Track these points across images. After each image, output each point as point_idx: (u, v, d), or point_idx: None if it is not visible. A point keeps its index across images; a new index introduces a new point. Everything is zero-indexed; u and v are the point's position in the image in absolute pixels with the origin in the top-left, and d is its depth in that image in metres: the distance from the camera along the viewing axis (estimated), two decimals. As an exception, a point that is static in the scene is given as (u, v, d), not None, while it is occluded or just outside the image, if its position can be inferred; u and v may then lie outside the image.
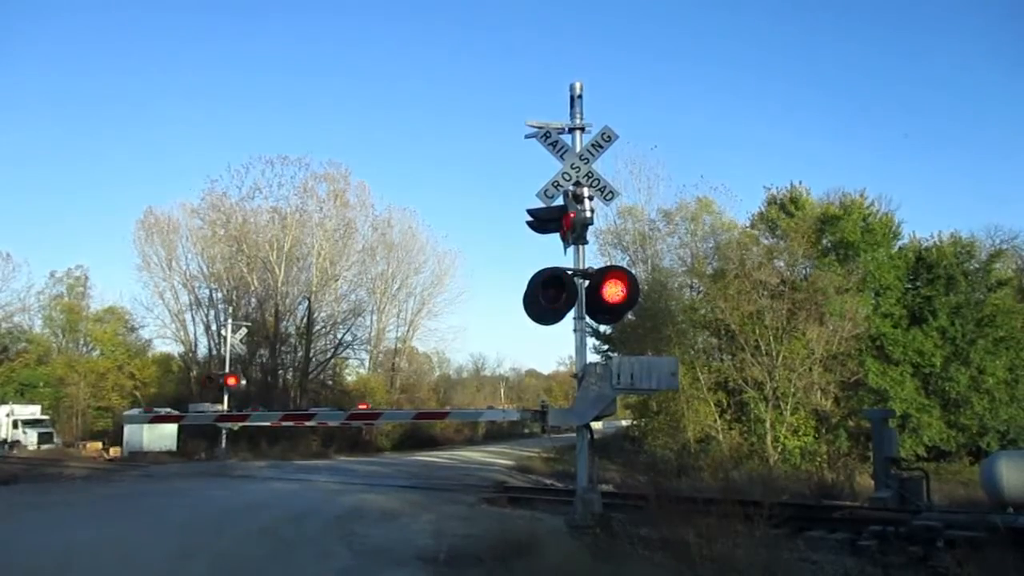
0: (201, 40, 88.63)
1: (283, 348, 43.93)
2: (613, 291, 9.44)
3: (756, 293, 24.65)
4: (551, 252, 13.19)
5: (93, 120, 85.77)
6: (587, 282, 9.65)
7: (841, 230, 26.91)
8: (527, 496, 15.35)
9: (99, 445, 36.71)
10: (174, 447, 33.28)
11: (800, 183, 30.49)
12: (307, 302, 43.69)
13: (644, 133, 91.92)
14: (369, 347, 49.18)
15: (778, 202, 30.08)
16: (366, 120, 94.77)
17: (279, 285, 43.09)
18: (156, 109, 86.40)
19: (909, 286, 26.90)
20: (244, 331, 36.31)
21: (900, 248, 27.97)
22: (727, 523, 7.03)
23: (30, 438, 36.27)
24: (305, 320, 43.75)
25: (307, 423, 24.15)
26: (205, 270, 46.04)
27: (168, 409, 28.92)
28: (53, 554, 8.25)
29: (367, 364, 49.52)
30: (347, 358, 48.81)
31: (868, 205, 28.30)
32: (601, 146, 10.08)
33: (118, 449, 34.24)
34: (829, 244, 27.45)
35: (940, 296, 25.51)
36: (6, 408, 37.64)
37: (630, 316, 23.86)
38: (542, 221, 9.94)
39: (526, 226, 9.92)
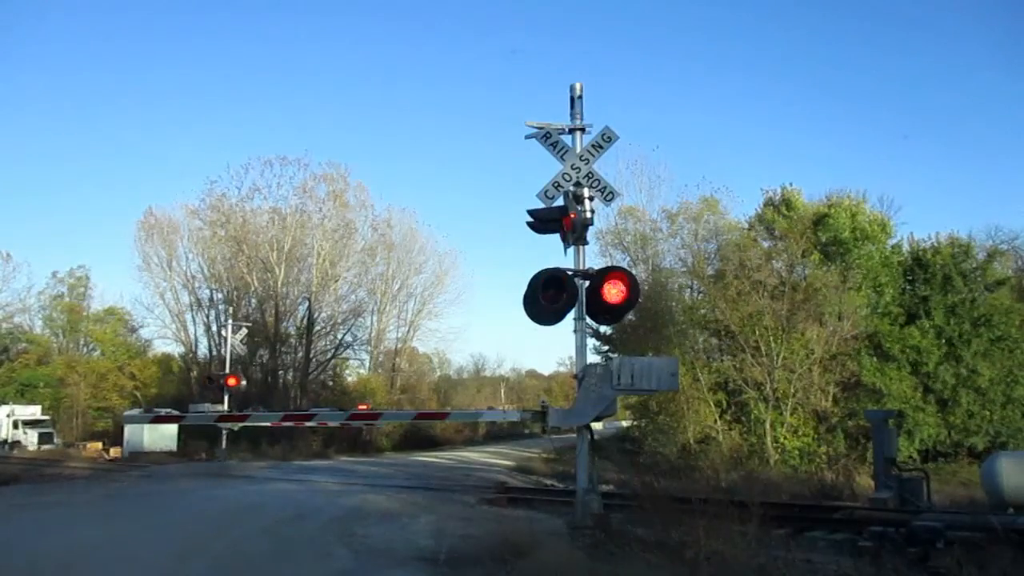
0: (200, 40, 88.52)
1: (283, 348, 43.93)
2: (613, 292, 9.45)
3: (755, 294, 24.68)
4: (552, 252, 13.21)
5: (94, 120, 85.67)
6: (587, 282, 9.67)
7: (833, 228, 26.92)
8: (527, 497, 15.35)
9: (99, 445, 36.70)
10: (174, 447, 33.33)
11: (792, 185, 30.26)
12: (307, 302, 43.69)
13: (646, 134, 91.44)
14: (369, 347, 49.21)
15: (773, 204, 30.09)
16: (365, 120, 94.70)
17: (279, 285, 43.08)
18: (156, 109, 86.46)
19: (906, 286, 26.86)
20: (244, 331, 36.34)
21: (894, 246, 27.92)
22: (723, 524, 7.04)
23: (30, 438, 36.28)
24: (305, 320, 43.73)
25: (307, 423, 24.22)
26: (205, 270, 46.15)
27: (169, 409, 28.98)
28: (55, 554, 8.25)
29: (367, 364, 49.57)
30: (347, 358, 48.86)
31: (855, 204, 28.25)
32: (601, 147, 10.10)
33: (118, 449, 34.26)
34: (823, 242, 27.42)
35: (936, 295, 25.46)
36: (7, 408, 37.65)
37: (630, 317, 23.84)
38: (542, 222, 9.96)
39: (526, 226, 9.95)
